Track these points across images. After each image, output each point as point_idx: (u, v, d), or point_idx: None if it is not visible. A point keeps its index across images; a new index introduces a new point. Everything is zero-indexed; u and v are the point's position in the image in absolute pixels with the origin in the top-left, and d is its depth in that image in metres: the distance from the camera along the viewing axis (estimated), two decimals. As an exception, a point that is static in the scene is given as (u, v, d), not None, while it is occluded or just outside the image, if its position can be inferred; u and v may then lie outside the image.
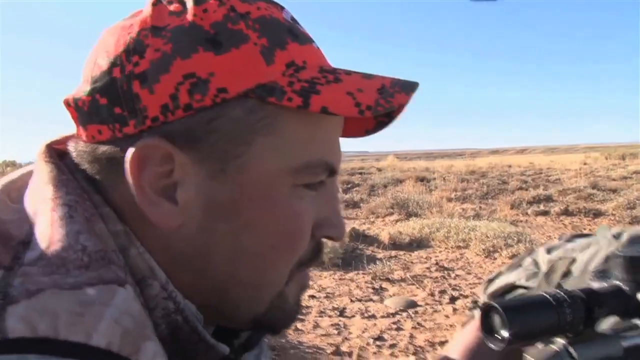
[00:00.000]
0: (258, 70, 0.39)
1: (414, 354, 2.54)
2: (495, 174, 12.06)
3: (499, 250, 4.48)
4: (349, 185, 10.60)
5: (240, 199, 0.41)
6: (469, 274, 4.10)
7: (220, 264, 0.42)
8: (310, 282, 3.77)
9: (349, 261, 4.29)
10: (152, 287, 0.39)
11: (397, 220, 6.18)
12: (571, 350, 0.61)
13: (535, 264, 1.32)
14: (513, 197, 7.71)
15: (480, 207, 7.19)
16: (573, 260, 1.22)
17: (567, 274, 1.06)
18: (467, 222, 5.35)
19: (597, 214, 6.90)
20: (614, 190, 8.71)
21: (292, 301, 0.48)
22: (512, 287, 1.29)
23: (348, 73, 0.44)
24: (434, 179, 10.85)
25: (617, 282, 0.67)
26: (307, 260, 0.47)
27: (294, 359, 2.49)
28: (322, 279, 3.95)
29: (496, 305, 0.55)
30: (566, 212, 6.97)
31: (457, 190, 8.34)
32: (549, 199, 7.80)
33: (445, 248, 4.73)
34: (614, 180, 10.31)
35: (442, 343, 2.58)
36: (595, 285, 0.68)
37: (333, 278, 3.97)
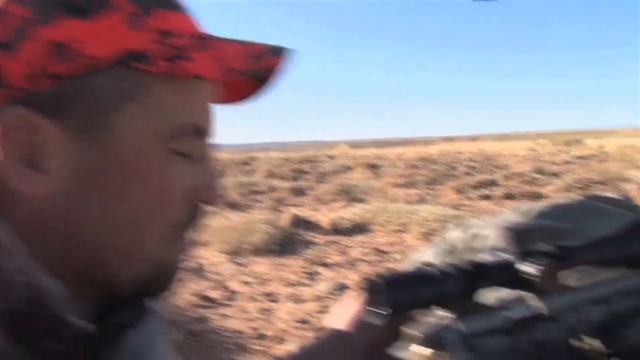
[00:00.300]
0: (126, 37, 0.39)
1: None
2: (445, 160, 12.22)
3: (437, 233, 4.48)
4: (299, 174, 10.53)
5: (110, 166, 0.41)
6: (406, 257, 3.99)
7: (93, 232, 0.42)
8: (245, 269, 3.74)
9: (287, 247, 4.24)
10: (8, 261, 0.39)
11: (342, 207, 6.16)
12: (456, 322, 0.61)
13: (446, 241, 1.30)
14: (459, 183, 7.80)
15: (426, 192, 7.25)
16: (477, 237, 1.19)
17: (471, 250, 1.04)
18: (408, 206, 5.37)
19: (538, 197, 7.06)
20: (556, 175, 8.94)
21: (171, 264, 0.48)
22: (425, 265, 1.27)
23: (221, 40, 0.44)
24: (385, 166, 10.90)
25: (505, 255, 0.67)
26: (184, 224, 0.47)
27: (214, 344, 2.43)
28: (257, 265, 3.89)
29: (376, 278, 0.54)
30: (509, 196, 7.10)
31: (404, 177, 8.39)
32: (493, 183, 7.95)
33: (386, 233, 4.73)
34: (557, 165, 10.58)
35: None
36: (487, 258, 0.68)
37: (269, 264, 3.91)
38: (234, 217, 4.90)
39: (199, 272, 3.65)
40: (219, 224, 4.64)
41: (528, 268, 0.67)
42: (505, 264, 0.68)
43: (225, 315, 2.83)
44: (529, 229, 0.85)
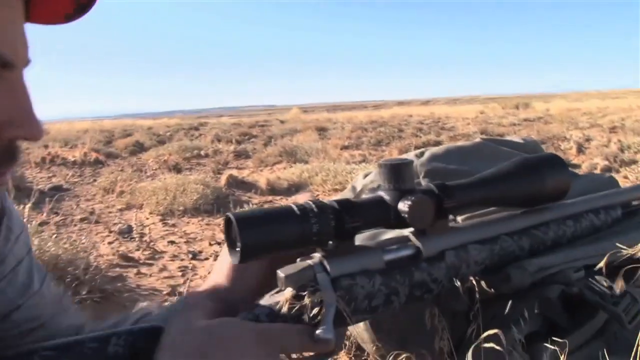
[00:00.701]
0: None
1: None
2: (394, 123, 12.20)
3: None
4: (247, 137, 10.35)
5: None
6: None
7: None
8: (174, 229, 3.56)
9: (220, 207, 4.06)
10: None
11: (285, 168, 6.01)
12: (325, 263, 0.57)
13: (354, 189, 1.16)
14: (404, 144, 7.76)
15: (369, 153, 7.16)
16: (375, 181, 1.06)
17: (367, 192, 0.92)
18: (347, 166, 5.26)
19: (481, 156, 7.09)
20: (501, 135, 9.02)
21: None
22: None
23: None
24: (333, 129, 10.79)
25: (380, 193, 0.62)
26: (1, 162, 0.47)
27: (126, 301, 2.26)
28: (188, 225, 3.71)
29: (231, 216, 0.52)
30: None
31: (351, 139, 8.30)
32: (439, 144, 7.92)
33: (323, 191, 4.61)
34: (503, 126, 10.71)
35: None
36: (364, 196, 0.63)
37: (200, 224, 3.74)
38: (169, 179, 4.69)
39: (126, 233, 3.47)
40: (153, 186, 4.45)
41: (402, 205, 0.60)
42: (376, 201, 0.62)
43: (144, 274, 2.67)
44: (413, 169, 0.73)
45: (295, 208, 0.57)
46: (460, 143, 0.92)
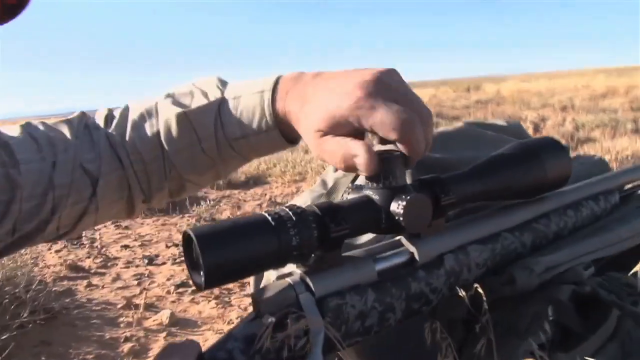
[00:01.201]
0: None
1: (217, 297, 2.25)
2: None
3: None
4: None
5: None
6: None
7: None
8: (128, 232, 3.39)
9: (176, 205, 3.90)
10: None
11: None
12: (308, 281, 0.49)
13: (324, 183, 1.06)
14: (361, 130, 7.70)
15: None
16: (356, 176, 0.96)
17: (354, 179, 0.82)
18: (306, 155, 5.17)
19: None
20: (457, 118, 9.11)
21: None
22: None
23: None
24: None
25: (367, 192, 0.54)
26: None
27: (75, 319, 2.09)
28: (142, 227, 3.54)
29: (191, 233, 0.43)
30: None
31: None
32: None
33: (282, 183, 4.51)
34: (456, 109, 10.82)
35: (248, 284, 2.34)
36: (347, 197, 0.54)
37: (155, 224, 3.58)
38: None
39: (75, 239, 3.26)
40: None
41: (396, 207, 0.52)
42: (364, 203, 0.53)
43: (95, 286, 2.50)
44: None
45: (269, 217, 0.46)
46: (442, 128, 0.83)
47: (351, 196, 0.55)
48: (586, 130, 5.43)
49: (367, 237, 0.73)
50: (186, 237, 0.45)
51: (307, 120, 0.55)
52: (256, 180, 4.64)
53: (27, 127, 0.63)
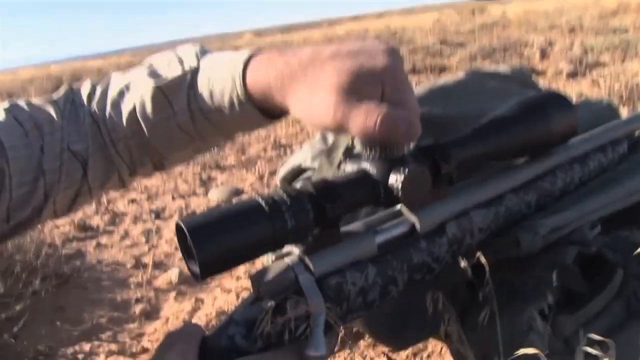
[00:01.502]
0: None
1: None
2: (352, 39, 11.83)
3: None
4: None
5: None
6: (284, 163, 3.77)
7: None
8: (135, 185, 3.41)
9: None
10: None
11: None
12: (307, 260, 0.47)
13: (324, 139, 1.03)
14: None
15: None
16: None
17: (350, 149, 0.80)
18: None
19: (443, 69, 6.96)
20: (461, 44, 8.87)
21: None
22: (299, 171, 1.02)
23: None
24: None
25: (364, 165, 0.51)
26: None
27: (87, 282, 2.13)
28: (148, 179, 3.53)
29: (182, 225, 0.41)
30: (414, 70, 6.95)
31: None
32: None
33: (285, 123, 4.45)
34: (461, 34, 10.52)
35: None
36: (346, 170, 0.52)
37: (160, 175, 3.56)
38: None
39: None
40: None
41: (393, 180, 0.49)
42: (360, 179, 0.50)
43: (104, 246, 2.52)
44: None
45: (262, 202, 0.45)
46: (442, 80, 0.80)
47: (347, 168, 0.53)
48: (595, 53, 5.27)
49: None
50: (178, 228, 0.44)
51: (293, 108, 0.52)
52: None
53: (13, 110, 0.61)
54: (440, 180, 0.53)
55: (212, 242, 0.42)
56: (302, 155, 0.98)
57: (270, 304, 0.46)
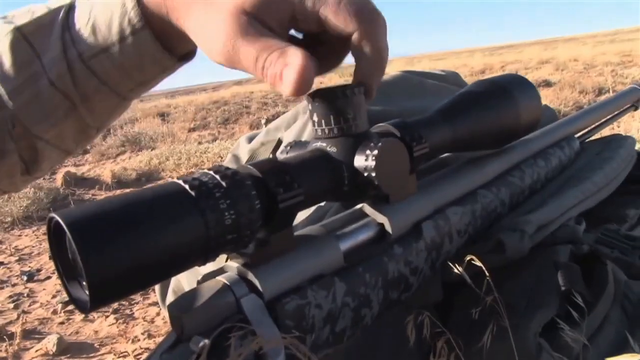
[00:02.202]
0: None
1: (116, 311, 1.99)
2: (237, 101, 11.84)
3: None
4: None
5: None
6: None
7: None
8: (2, 246, 2.98)
9: (57, 210, 3.50)
10: None
11: (130, 158, 5.45)
12: (251, 276, 0.33)
13: (237, 159, 0.87)
14: (253, 118, 7.51)
15: (219, 132, 6.80)
16: (279, 143, 0.79)
17: (289, 149, 0.65)
18: (200, 146, 4.90)
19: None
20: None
21: None
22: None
23: None
24: (175, 113, 10.17)
25: (318, 144, 0.38)
26: None
27: None
28: (20, 239, 3.12)
29: (61, 220, 0.26)
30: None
31: (196, 120, 7.83)
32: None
33: (178, 176, 4.22)
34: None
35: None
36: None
37: (35, 235, 3.17)
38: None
39: None
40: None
41: (363, 160, 0.37)
42: (318, 158, 0.37)
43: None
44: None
45: (185, 186, 0.30)
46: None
47: (299, 151, 0.40)
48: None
49: (309, 210, 0.58)
50: (54, 225, 0.28)
51: None
52: (148, 177, 4.29)
53: None
54: (412, 166, 0.41)
55: (110, 248, 0.26)
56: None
57: (203, 343, 0.30)
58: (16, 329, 1.87)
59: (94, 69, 0.43)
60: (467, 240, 0.47)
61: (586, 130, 0.74)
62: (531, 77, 8.27)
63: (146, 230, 0.27)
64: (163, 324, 1.83)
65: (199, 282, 0.34)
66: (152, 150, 5.46)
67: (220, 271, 0.35)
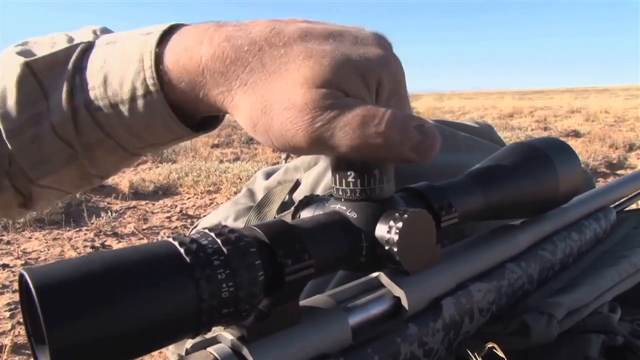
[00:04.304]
0: None
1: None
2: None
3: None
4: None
5: None
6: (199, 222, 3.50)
7: None
8: (10, 247, 2.97)
9: (74, 216, 3.50)
10: None
11: (150, 169, 5.47)
12: (246, 352, 0.29)
13: (251, 194, 0.84)
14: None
15: (242, 151, 6.81)
16: (296, 184, 0.75)
17: (287, 205, 0.62)
18: (221, 165, 4.89)
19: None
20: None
21: None
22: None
23: None
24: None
25: (337, 207, 0.35)
26: None
27: None
28: (30, 242, 3.11)
29: (29, 280, 0.22)
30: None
31: (220, 137, 7.85)
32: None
33: (195, 194, 4.19)
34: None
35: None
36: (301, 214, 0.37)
37: (45, 239, 3.15)
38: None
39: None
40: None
41: (385, 230, 0.33)
42: (334, 224, 0.33)
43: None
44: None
45: (180, 249, 0.27)
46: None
47: (308, 213, 0.36)
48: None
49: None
50: (24, 284, 0.25)
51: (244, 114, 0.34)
52: (166, 191, 4.29)
53: None
54: (440, 236, 0.38)
55: (82, 321, 0.22)
56: (222, 214, 0.79)
57: None
58: (6, 341, 1.82)
59: (99, 121, 0.39)
60: (488, 320, 0.43)
61: (623, 200, 0.69)
62: (560, 125, 8.18)
63: (127, 303, 0.23)
64: None
65: (187, 351, 0.30)
66: (172, 163, 5.47)
67: (213, 341, 0.31)
